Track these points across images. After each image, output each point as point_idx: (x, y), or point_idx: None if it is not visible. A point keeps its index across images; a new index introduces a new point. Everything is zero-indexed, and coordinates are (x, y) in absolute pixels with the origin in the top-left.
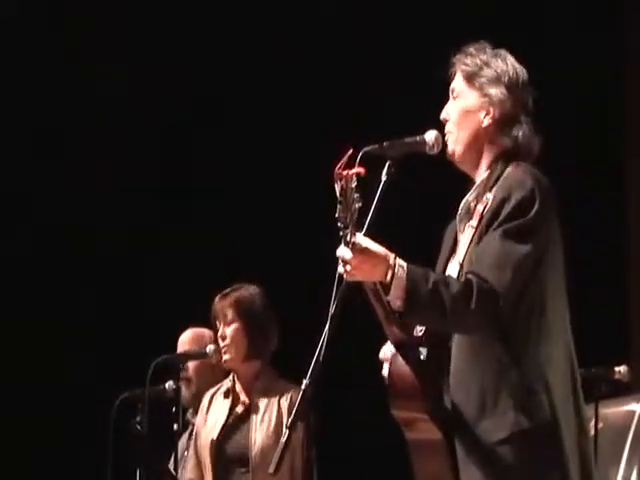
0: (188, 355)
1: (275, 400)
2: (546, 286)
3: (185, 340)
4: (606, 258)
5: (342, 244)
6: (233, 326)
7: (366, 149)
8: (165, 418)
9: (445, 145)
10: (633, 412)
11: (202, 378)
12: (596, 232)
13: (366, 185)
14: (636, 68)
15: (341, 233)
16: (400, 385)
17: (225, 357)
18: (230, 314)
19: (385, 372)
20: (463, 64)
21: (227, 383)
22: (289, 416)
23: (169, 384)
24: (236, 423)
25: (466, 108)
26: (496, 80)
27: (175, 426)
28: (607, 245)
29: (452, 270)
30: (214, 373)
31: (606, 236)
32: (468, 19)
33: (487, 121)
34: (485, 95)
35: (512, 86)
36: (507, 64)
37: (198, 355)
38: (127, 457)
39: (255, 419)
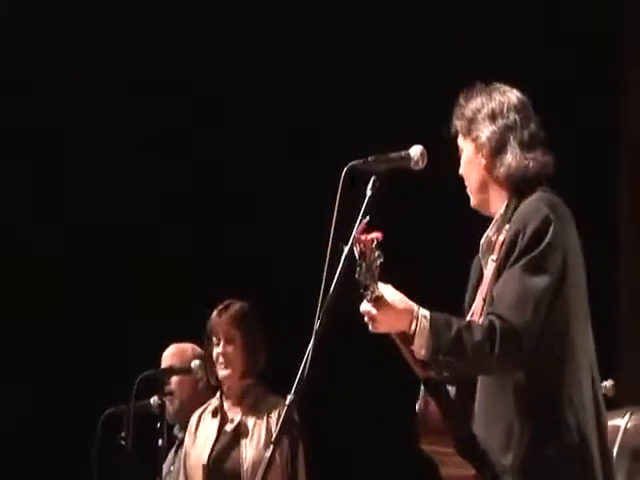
0: (172, 370)
1: (264, 416)
2: (568, 312)
3: (168, 355)
4: (596, 281)
5: (365, 300)
6: (234, 343)
7: (352, 163)
8: (150, 433)
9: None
10: (618, 427)
11: (185, 392)
12: (588, 258)
13: (353, 198)
14: None
15: (362, 291)
16: (432, 422)
17: (223, 373)
18: (231, 331)
19: (417, 408)
20: (458, 120)
21: (214, 402)
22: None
23: (154, 399)
24: (226, 441)
25: (468, 159)
26: (482, 120)
27: (160, 442)
28: (597, 269)
29: (477, 304)
30: (197, 388)
31: (598, 264)
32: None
33: (483, 161)
34: (475, 139)
35: (496, 117)
36: (492, 98)
37: (182, 370)
38: (112, 473)
39: (245, 436)
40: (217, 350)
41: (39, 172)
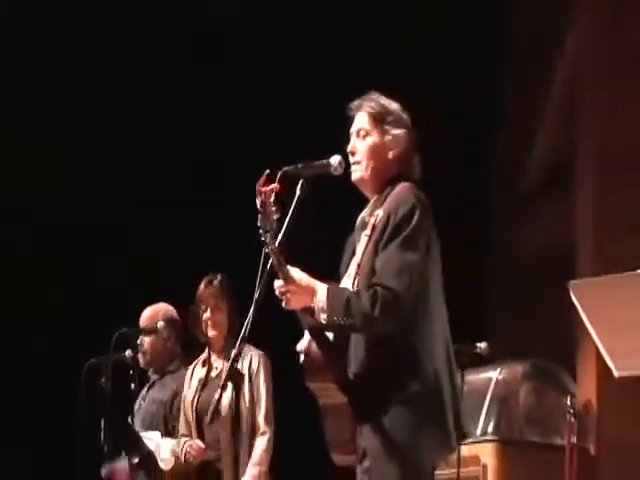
0: (142, 329)
1: (240, 362)
2: (429, 280)
3: (143, 316)
4: (466, 261)
5: (279, 271)
6: (219, 310)
7: (284, 169)
8: (125, 379)
9: (348, 170)
10: (490, 378)
11: (155, 351)
12: (458, 242)
13: (286, 199)
14: None
15: (264, 240)
16: (317, 361)
17: (211, 334)
18: (217, 300)
19: (302, 359)
20: (369, 107)
21: (204, 355)
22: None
23: (128, 352)
24: (211, 386)
25: (375, 144)
26: (396, 123)
27: (132, 386)
28: (467, 255)
29: (352, 270)
30: (165, 344)
31: (466, 246)
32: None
33: (391, 155)
34: (390, 134)
35: (408, 128)
36: (401, 110)
37: (150, 330)
38: (94, 411)
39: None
40: (206, 315)
41: None
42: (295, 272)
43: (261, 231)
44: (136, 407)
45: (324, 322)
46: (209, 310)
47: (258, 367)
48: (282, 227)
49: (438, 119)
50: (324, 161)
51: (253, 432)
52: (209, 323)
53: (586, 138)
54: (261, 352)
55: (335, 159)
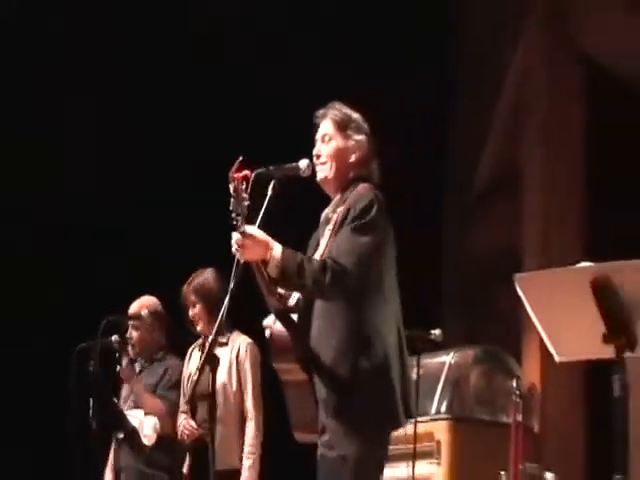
0: (127, 317)
1: (229, 349)
2: (382, 267)
3: (131, 307)
4: (424, 258)
5: (238, 229)
6: (197, 307)
7: (257, 171)
8: (113, 363)
9: (314, 172)
10: (444, 362)
11: (142, 342)
12: (416, 240)
13: (260, 198)
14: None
15: (234, 221)
16: (279, 342)
17: (198, 328)
18: (193, 298)
19: (267, 334)
20: (333, 115)
21: (200, 340)
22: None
23: (114, 337)
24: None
25: (338, 148)
26: (357, 130)
27: (118, 367)
28: (425, 252)
29: (318, 256)
30: (151, 337)
31: (424, 243)
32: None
33: (353, 158)
34: (352, 140)
35: (368, 135)
36: (361, 120)
37: (135, 317)
38: (84, 390)
39: (218, 365)
40: (190, 312)
41: None
42: (252, 229)
43: (233, 214)
44: (126, 392)
45: (276, 277)
46: (190, 307)
47: (245, 354)
48: (256, 221)
49: (395, 127)
50: (293, 164)
51: (242, 416)
52: (195, 319)
53: (532, 145)
54: (249, 340)
55: (303, 162)
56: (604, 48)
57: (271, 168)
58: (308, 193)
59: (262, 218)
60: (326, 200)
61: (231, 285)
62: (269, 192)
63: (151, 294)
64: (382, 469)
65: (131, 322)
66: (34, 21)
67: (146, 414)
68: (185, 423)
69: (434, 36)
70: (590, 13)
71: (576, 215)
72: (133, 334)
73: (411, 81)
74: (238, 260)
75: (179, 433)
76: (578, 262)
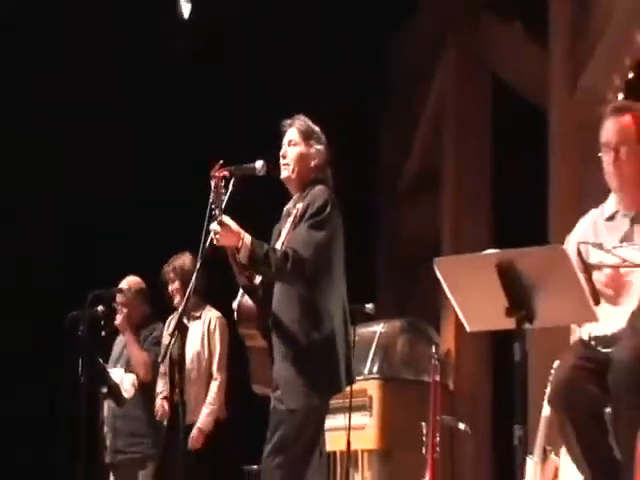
0: (110, 291)
1: (202, 322)
2: (333, 256)
3: (123, 283)
4: (360, 243)
5: (215, 221)
6: (175, 284)
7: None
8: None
9: (271, 171)
10: (375, 331)
11: (129, 317)
12: (354, 229)
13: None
14: None
15: (214, 212)
16: (245, 313)
17: (175, 301)
18: (172, 276)
19: (235, 305)
20: (299, 125)
21: (177, 313)
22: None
23: (100, 308)
24: (180, 338)
25: (301, 153)
26: (317, 140)
27: (103, 333)
28: (361, 239)
29: (278, 246)
30: (137, 311)
31: (360, 232)
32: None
33: (313, 164)
34: (313, 148)
35: (324, 145)
36: (320, 132)
37: (118, 290)
38: (74, 353)
39: (189, 334)
40: (169, 287)
41: None
42: (228, 220)
43: (213, 206)
44: (116, 354)
45: (245, 262)
46: (170, 283)
47: (215, 326)
48: (222, 210)
49: (338, 137)
50: (250, 165)
51: (210, 378)
52: (173, 293)
53: (447, 153)
54: (218, 314)
55: (259, 163)
56: (507, 69)
57: (232, 168)
58: (272, 192)
59: (224, 208)
60: (286, 198)
61: (197, 265)
62: (230, 188)
63: (136, 274)
64: (323, 421)
65: (117, 295)
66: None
67: (126, 371)
68: (161, 403)
69: (371, 59)
70: (497, 41)
71: (484, 209)
72: (121, 308)
73: (350, 98)
74: (204, 246)
75: (156, 411)
76: (486, 249)
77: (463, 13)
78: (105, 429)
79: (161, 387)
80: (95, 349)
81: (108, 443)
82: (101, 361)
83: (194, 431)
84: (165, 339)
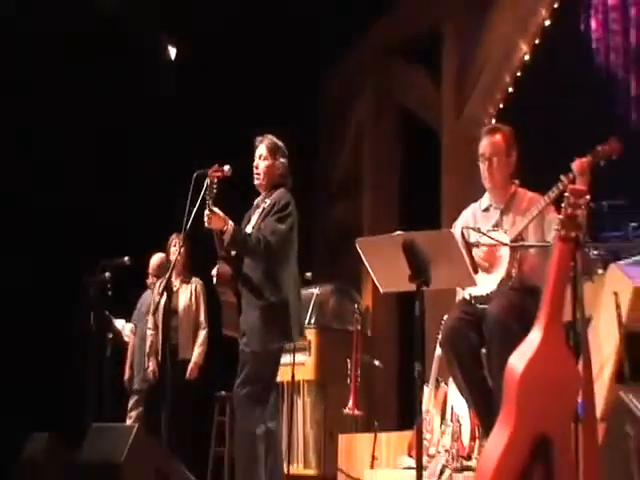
0: (115, 261)
1: (189, 285)
2: (291, 243)
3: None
4: (302, 228)
5: (207, 209)
6: (175, 247)
7: (197, 172)
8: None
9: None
10: (313, 293)
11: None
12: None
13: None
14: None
15: (207, 202)
16: (223, 276)
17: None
18: (176, 246)
19: (214, 271)
20: (268, 142)
21: (164, 279)
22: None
23: (107, 274)
24: (172, 296)
25: (269, 165)
26: (282, 155)
27: (109, 292)
28: (304, 224)
29: (248, 230)
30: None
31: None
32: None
33: (278, 172)
34: (279, 161)
35: (286, 158)
36: (284, 148)
37: (120, 263)
38: (87, 308)
39: (179, 293)
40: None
41: None
42: (217, 209)
43: (207, 197)
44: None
45: (228, 243)
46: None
47: (200, 289)
48: (213, 201)
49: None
50: (221, 168)
51: (197, 326)
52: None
53: (366, 161)
54: (201, 281)
55: (227, 167)
56: (410, 99)
57: (206, 169)
58: (245, 190)
59: (200, 201)
60: (256, 193)
61: (182, 235)
62: (205, 185)
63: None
64: (279, 361)
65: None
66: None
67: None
68: (153, 369)
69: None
70: (403, 79)
71: (393, 204)
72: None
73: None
74: (186, 227)
75: (148, 373)
76: (395, 231)
77: (379, 57)
78: (130, 363)
79: (149, 345)
80: (103, 305)
81: (134, 374)
82: (107, 313)
83: (191, 365)
84: (156, 298)
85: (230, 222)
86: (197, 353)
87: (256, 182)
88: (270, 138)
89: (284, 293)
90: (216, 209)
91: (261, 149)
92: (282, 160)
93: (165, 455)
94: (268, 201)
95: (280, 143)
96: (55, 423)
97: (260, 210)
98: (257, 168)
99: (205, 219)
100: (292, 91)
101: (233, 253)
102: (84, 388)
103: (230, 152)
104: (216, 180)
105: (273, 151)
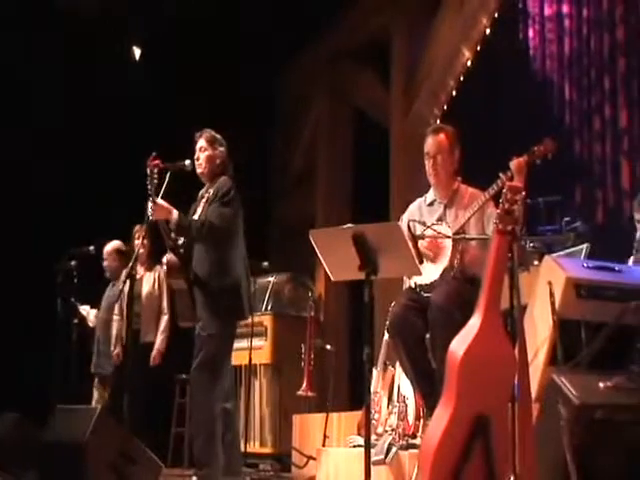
0: (81, 250)
1: (153, 272)
2: (236, 229)
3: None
4: (260, 220)
5: (150, 200)
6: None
7: (160, 166)
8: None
9: (194, 168)
10: (270, 281)
11: (112, 261)
12: (255, 208)
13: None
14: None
15: (149, 193)
16: (172, 266)
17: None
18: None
19: (164, 260)
20: (206, 135)
21: (128, 268)
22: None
23: (73, 263)
24: (137, 283)
25: (209, 155)
26: (220, 145)
27: (75, 281)
28: (258, 209)
29: (195, 218)
30: (121, 260)
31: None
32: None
33: (218, 161)
34: (218, 150)
35: (225, 148)
36: (221, 139)
37: (85, 252)
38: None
39: (143, 280)
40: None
41: None
42: (160, 200)
43: (148, 187)
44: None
45: (174, 230)
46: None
47: (162, 276)
48: (159, 193)
49: (248, 148)
50: (181, 162)
51: (159, 311)
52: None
53: (320, 157)
54: (163, 269)
55: (187, 161)
56: (362, 100)
57: (168, 164)
58: (191, 180)
59: (163, 192)
60: (201, 185)
61: (144, 226)
62: (166, 179)
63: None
64: (233, 342)
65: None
66: None
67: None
68: (117, 352)
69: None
70: (355, 80)
71: (345, 196)
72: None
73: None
74: (148, 218)
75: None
76: (346, 223)
77: (332, 59)
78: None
79: (116, 331)
80: (70, 292)
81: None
82: (73, 300)
83: (154, 352)
84: (120, 285)
85: (175, 210)
86: (160, 340)
87: (198, 171)
88: (208, 131)
89: (234, 276)
90: (159, 200)
91: (201, 142)
92: (221, 149)
93: (127, 435)
94: (211, 191)
95: (218, 135)
96: (22, 404)
97: (204, 200)
98: (198, 159)
99: (149, 211)
100: (251, 92)
101: (180, 242)
102: (50, 371)
103: (192, 150)
104: (156, 170)
105: (211, 142)
